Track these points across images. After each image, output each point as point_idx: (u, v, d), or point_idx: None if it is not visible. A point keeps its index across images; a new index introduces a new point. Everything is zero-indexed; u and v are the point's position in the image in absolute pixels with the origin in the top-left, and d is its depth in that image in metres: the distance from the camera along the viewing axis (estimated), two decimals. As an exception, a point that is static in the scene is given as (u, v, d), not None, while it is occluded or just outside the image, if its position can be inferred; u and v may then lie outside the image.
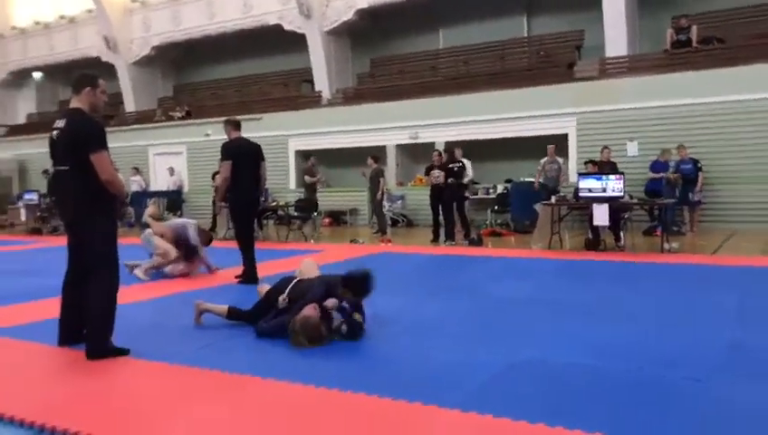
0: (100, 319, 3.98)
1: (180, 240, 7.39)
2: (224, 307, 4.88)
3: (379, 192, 12.53)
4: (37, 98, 24.52)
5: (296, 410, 3.07)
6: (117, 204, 4.22)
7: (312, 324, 4.17)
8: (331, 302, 4.36)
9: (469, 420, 2.88)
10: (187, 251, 7.42)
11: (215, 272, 7.54)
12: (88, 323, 4.00)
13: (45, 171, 16.97)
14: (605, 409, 2.99)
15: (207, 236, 7.82)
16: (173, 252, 7.31)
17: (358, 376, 3.55)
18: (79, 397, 3.35)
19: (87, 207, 4.01)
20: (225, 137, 7.11)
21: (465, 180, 11.64)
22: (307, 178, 13.89)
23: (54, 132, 4.09)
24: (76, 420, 2.93)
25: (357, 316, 4.37)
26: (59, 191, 4.22)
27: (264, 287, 5.12)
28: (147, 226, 7.88)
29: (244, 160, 6.88)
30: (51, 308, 4.47)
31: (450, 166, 10.85)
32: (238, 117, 7.66)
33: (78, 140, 3.96)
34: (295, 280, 4.78)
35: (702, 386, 3.28)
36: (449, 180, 10.68)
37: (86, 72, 4.32)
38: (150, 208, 8.28)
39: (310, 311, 4.23)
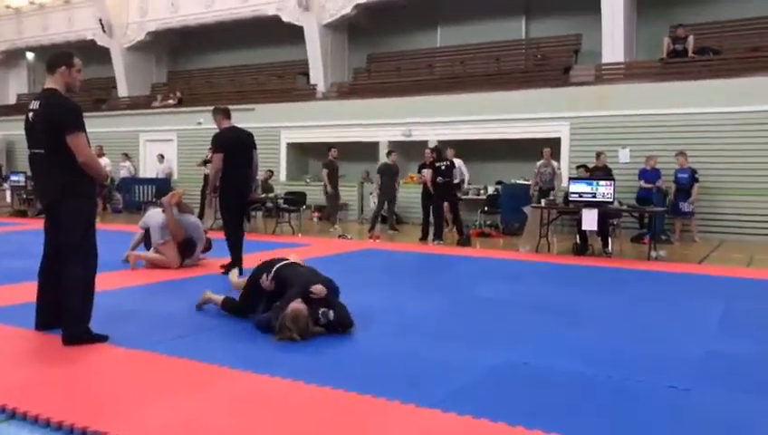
0: (77, 304, 3.91)
1: (186, 242, 7.20)
2: (220, 297, 4.84)
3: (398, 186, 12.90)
4: (29, 79, 24.26)
5: (273, 404, 3.03)
6: (96, 187, 4.13)
7: (303, 317, 4.10)
8: (317, 287, 4.28)
9: (448, 420, 2.85)
10: (185, 250, 7.24)
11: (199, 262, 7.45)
12: (64, 309, 3.93)
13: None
14: (586, 414, 2.97)
15: (208, 244, 7.60)
16: (176, 262, 7.07)
17: (338, 372, 3.52)
18: (52, 382, 3.29)
19: (64, 190, 3.93)
20: (216, 126, 7.01)
21: (456, 180, 11.63)
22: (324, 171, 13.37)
23: (30, 114, 3.99)
24: (47, 406, 2.88)
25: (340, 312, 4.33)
26: (36, 175, 4.13)
27: (239, 280, 5.02)
28: (151, 207, 7.35)
29: (236, 150, 6.78)
30: (29, 291, 4.40)
31: (438, 165, 10.79)
32: (231, 106, 7.54)
33: (53, 122, 3.87)
34: (283, 262, 4.64)
35: (684, 394, 3.27)
36: (438, 179, 10.64)
37: (61, 51, 4.23)
38: (176, 195, 7.29)
39: (298, 305, 4.15)
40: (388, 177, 12.64)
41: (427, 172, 10.84)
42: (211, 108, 7.47)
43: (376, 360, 3.82)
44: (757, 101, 11.42)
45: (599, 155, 11.56)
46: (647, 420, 2.91)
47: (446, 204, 11.04)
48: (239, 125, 7.20)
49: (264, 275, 4.50)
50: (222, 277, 6.57)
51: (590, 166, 11.07)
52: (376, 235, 11.27)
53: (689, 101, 11.98)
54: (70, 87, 4.06)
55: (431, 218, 10.92)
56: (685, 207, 11.10)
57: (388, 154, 12.99)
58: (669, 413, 3.01)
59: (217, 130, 6.98)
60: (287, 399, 3.10)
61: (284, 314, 4.11)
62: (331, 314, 4.24)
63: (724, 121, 11.72)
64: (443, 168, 10.75)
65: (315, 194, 15.12)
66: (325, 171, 13.14)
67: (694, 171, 11.15)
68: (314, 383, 3.27)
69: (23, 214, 14.94)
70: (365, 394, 3.12)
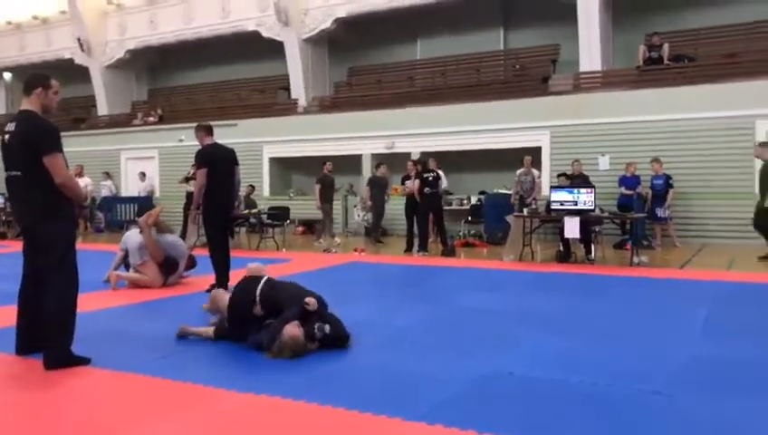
0: (59, 327, 3.86)
1: (166, 260, 7.13)
2: (209, 330, 4.66)
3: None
4: (6, 99, 24.03)
5: (259, 422, 3.01)
6: (74, 208, 4.08)
7: (300, 343, 4.10)
8: (311, 300, 4.28)
9: (435, 432, 2.85)
10: (167, 268, 7.17)
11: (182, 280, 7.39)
12: (45, 332, 3.87)
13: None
14: (571, 422, 2.98)
15: (191, 262, 7.52)
16: (159, 281, 7.02)
17: (324, 388, 3.50)
18: (33, 407, 3.25)
19: (42, 211, 3.89)
20: (199, 144, 6.99)
21: (442, 189, 11.67)
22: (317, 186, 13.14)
23: (6, 136, 3.95)
24: (27, 431, 2.83)
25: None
26: (13, 196, 4.07)
27: (221, 295, 4.90)
28: (133, 226, 7.29)
29: (219, 167, 6.75)
30: (9, 315, 4.34)
31: (425, 175, 10.85)
32: (213, 123, 7.53)
33: (30, 144, 3.84)
34: (262, 282, 4.58)
35: (669, 400, 3.29)
36: (425, 190, 10.69)
37: (37, 73, 4.19)
38: (153, 216, 7.18)
39: (295, 330, 4.11)
40: (378, 189, 12.67)
41: (411, 183, 10.89)
42: (192, 125, 7.45)
43: (362, 374, 3.81)
44: (733, 107, 11.61)
45: (573, 163, 11.69)
46: (632, 426, 2.93)
47: (430, 215, 11.09)
48: (221, 141, 7.19)
49: (258, 307, 4.44)
50: (207, 296, 6.52)
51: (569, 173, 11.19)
52: (361, 248, 11.26)
53: (666, 108, 12.16)
54: (46, 108, 4.04)
55: (415, 230, 10.96)
56: (660, 212, 11.24)
57: (377, 167, 12.97)
58: (654, 419, 3.03)
59: (200, 147, 6.96)
60: (273, 417, 3.08)
61: (282, 340, 4.07)
62: (327, 328, 4.22)
63: (701, 127, 11.90)
64: (430, 178, 10.81)
65: (299, 208, 15.12)
66: (317, 186, 13.05)
67: (668, 177, 11.31)
68: (301, 400, 3.25)
69: (2, 236, 14.74)
70: (352, 410, 3.11)
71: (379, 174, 12.79)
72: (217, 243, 6.85)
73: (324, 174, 13.16)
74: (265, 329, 4.26)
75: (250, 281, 4.65)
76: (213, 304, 4.90)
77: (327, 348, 4.24)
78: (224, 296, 4.83)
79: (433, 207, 10.91)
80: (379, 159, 13.89)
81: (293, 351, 4.06)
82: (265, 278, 4.63)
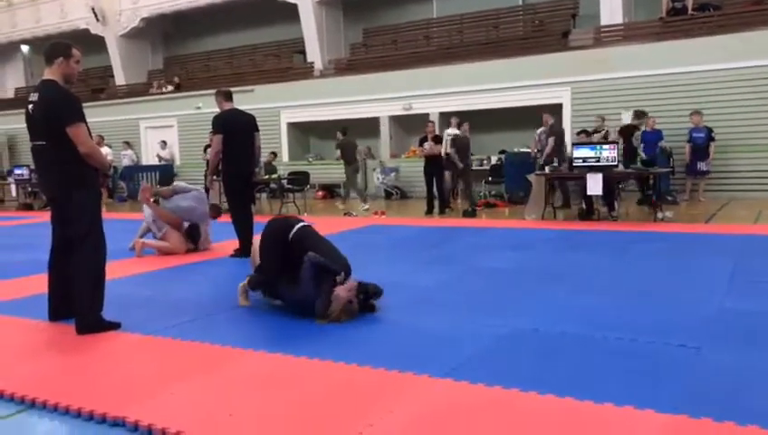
0: (88, 293, 3.93)
1: (189, 229, 7.19)
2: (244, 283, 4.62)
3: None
4: (26, 71, 24.17)
5: (287, 381, 3.06)
6: (99, 176, 4.12)
7: (354, 309, 4.08)
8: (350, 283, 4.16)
9: (461, 388, 2.88)
10: (190, 232, 7.22)
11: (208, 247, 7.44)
12: (76, 298, 3.95)
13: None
14: (598, 377, 2.99)
15: (216, 210, 7.40)
16: (183, 247, 7.08)
17: (351, 347, 3.54)
18: (68, 371, 3.33)
19: (68, 181, 3.93)
20: (217, 109, 6.98)
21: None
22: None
23: (30, 106, 3.97)
24: (65, 394, 2.91)
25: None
26: (39, 167, 4.11)
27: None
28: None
29: (236, 132, 6.70)
30: (41, 283, 4.43)
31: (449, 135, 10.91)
32: (230, 89, 7.50)
33: (52, 114, 3.85)
34: (298, 225, 4.44)
35: (696, 353, 3.27)
36: (450, 151, 10.75)
37: (59, 42, 4.14)
38: (145, 191, 7.25)
39: (349, 294, 4.05)
40: (464, 151, 11.36)
41: (429, 145, 10.79)
42: (209, 92, 7.48)
43: (387, 334, 3.84)
44: (760, 56, 11.28)
45: (597, 119, 11.53)
46: (662, 380, 2.92)
47: (447, 174, 11.21)
48: (239, 108, 7.15)
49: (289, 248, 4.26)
50: (232, 261, 6.60)
51: (591, 130, 11.03)
52: (381, 210, 11.27)
53: (691, 60, 11.86)
54: (68, 78, 4.03)
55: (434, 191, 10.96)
56: (703, 166, 10.96)
57: (459, 125, 11.69)
58: (685, 373, 3.01)
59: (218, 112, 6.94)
60: (301, 375, 3.13)
61: (338, 305, 3.99)
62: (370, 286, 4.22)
63: (727, 78, 11.60)
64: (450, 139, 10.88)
65: (318, 173, 15.13)
66: (338, 151, 12.78)
67: (710, 130, 10.97)
68: (328, 359, 3.29)
69: (29, 207, 14.99)
70: (378, 368, 3.15)
71: (461, 132, 11.49)
72: (239, 209, 6.87)
73: (344, 139, 12.78)
74: (310, 289, 4.07)
75: (285, 220, 4.57)
76: (253, 259, 4.77)
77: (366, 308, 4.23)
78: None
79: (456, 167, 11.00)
80: (392, 121, 13.60)
81: (351, 314, 4.04)
82: (302, 223, 4.50)
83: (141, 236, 7.41)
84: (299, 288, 4.16)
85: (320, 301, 4.04)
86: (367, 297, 4.22)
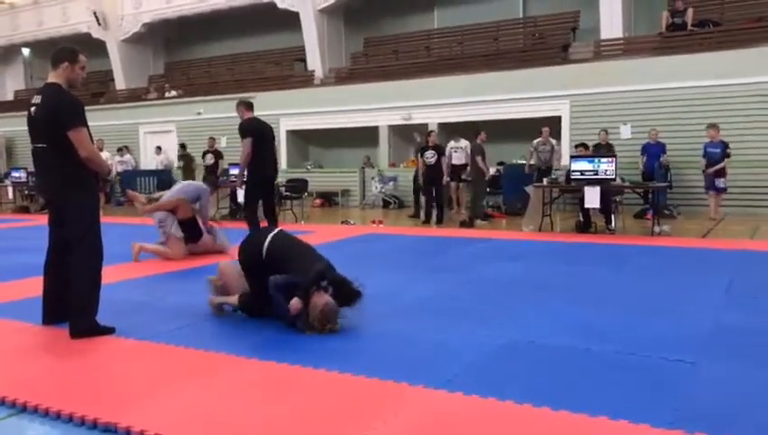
0: (84, 297, 3.92)
1: (188, 223, 7.20)
2: (234, 298, 4.50)
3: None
4: (26, 74, 24.19)
5: (281, 389, 3.04)
6: (99, 180, 4.12)
7: (336, 308, 3.98)
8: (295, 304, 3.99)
9: (456, 399, 2.86)
10: (189, 233, 7.19)
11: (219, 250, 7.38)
12: (72, 300, 3.93)
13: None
14: (593, 390, 2.97)
15: (212, 183, 7.82)
16: (181, 255, 7.08)
17: (345, 356, 3.52)
18: (61, 375, 3.31)
19: (67, 184, 3.92)
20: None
21: (462, 162, 11.69)
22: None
23: (32, 108, 3.98)
24: (56, 399, 2.89)
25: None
26: (39, 169, 4.11)
27: (228, 267, 4.72)
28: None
29: (263, 139, 7.16)
30: (36, 286, 4.42)
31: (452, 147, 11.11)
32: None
33: (55, 117, 3.86)
34: (272, 233, 4.36)
35: (692, 368, 3.27)
36: (453, 161, 11.08)
37: (66, 46, 4.16)
38: (135, 199, 7.49)
39: (323, 298, 3.94)
40: (482, 158, 10.97)
41: (432, 154, 10.94)
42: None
43: (382, 343, 3.83)
44: (761, 72, 11.32)
45: (600, 132, 11.52)
46: (654, 393, 2.92)
47: (452, 184, 11.68)
48: (237, 115, 7.43)
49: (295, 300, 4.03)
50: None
51: (591, 144, 11.02)
52: (378, 219, 11.26)
53: (690, 75, 11.92)
54: (72, 83, 4.05)
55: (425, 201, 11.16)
56: (720, 182, 10.47)
57: (477, 134, 11.14)
58: (681, 387, 3.00)
59: (240, 120, 7.30)
60: (295, 384, 3.11)
61: (319, 312, 3.89)
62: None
63: (726, 94, 11.65)
64: (456, 151, 11.19)
65: (316, 181, 15.13)
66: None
67: (725, 145, 10.48)
68: (322, 368, 3.27)
69: (25, 210, 14.96)
70: (373, 377, 3.13)
71: (478, 141, 11.02)
72: (255, 214, 7.18)
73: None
74: (284, 310, 3.98)
75: (255, 240, 4.43)
76: (221, 276, 4.70)
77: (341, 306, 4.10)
78: (231, 268, 4.66)
79: (458, 178, 11.67)
80: (391, 131, 13.64)
81: (334, 314, 3.94)
82: (270, 237, 4.34)
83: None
84: (275, 309, 4.13)
85: (298, 321, 3.98)
86: (337, 288, 4.03)
